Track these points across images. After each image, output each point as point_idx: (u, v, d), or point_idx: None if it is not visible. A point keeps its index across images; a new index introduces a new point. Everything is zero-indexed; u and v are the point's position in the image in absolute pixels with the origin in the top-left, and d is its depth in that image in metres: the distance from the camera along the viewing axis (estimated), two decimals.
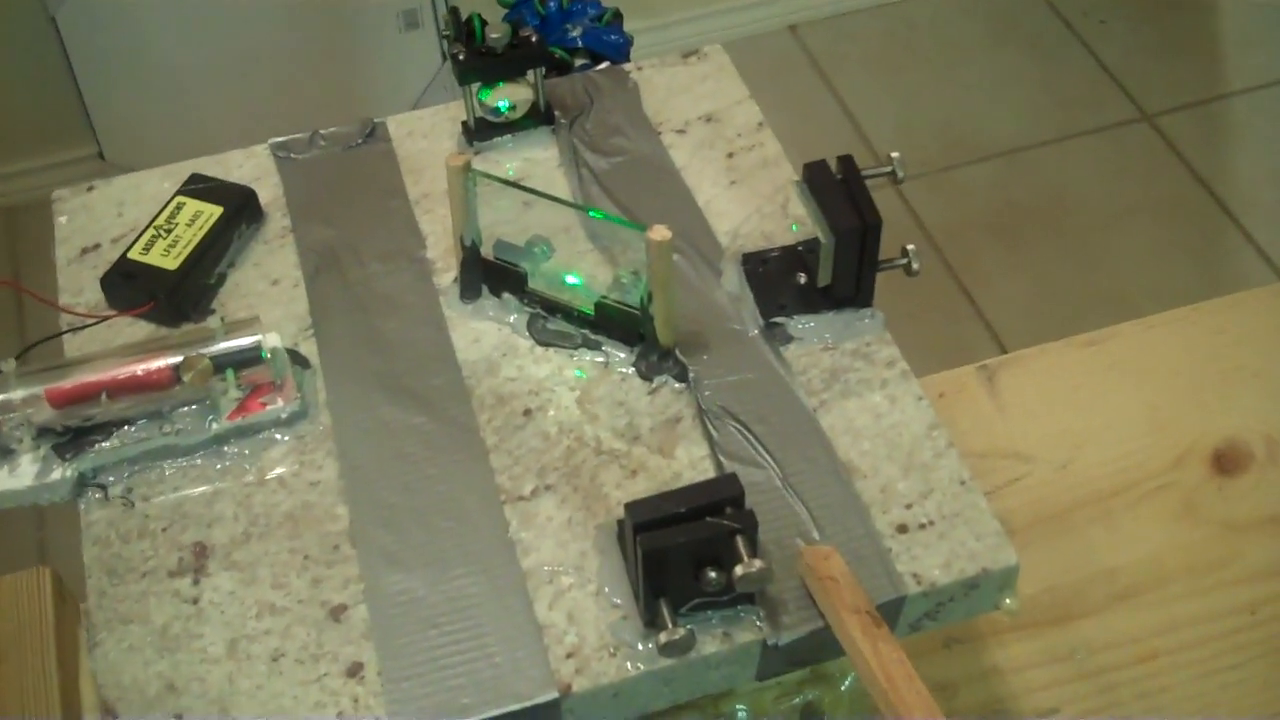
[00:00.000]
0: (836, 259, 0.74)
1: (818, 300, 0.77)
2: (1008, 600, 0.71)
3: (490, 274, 0.78)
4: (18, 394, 0.70)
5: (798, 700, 0.81)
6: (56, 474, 0.71)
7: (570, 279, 0.76)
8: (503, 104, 0.85)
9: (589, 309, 0.76)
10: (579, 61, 0.97)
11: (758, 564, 0.61)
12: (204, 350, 0.71)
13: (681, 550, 0.62)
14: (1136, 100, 2.33)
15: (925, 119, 2.30)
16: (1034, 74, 2.38)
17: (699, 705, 0.76)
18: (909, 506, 0.70)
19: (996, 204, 2.17)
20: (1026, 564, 0.94)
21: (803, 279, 0.78)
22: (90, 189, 0.86)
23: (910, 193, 2.15)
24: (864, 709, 0.84)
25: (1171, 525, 0.97)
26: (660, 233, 0.69)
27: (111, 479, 0.72)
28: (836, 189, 0.74)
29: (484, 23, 0.90)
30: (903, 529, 0.69)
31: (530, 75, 0.85)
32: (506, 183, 0.74)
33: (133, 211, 0.84)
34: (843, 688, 0.81)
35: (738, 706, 0.79)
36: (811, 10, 2.48)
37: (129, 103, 2.06)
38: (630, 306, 0.75)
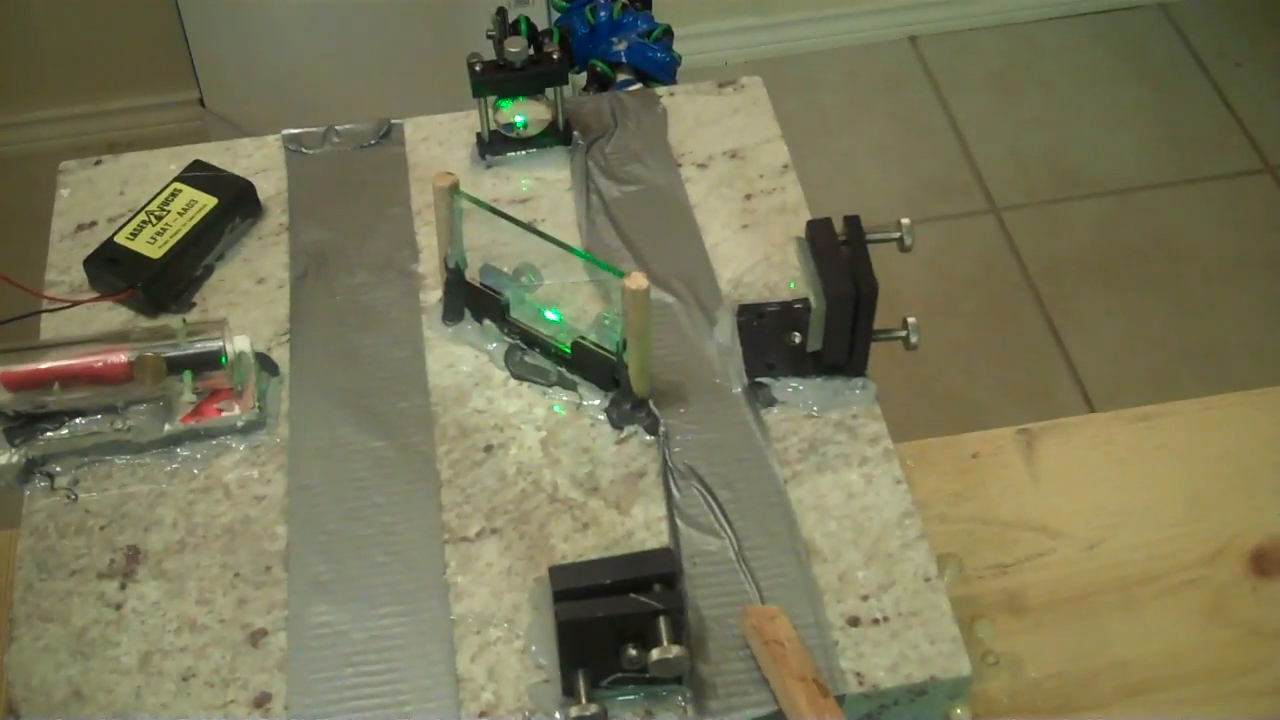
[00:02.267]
0: (828, 324, 0.70)
1: (808, 364, 0.73)
2: (958, 710, 0.67)
3: (474, 298, 0.75)
4: None
5: None
6: (4, 458, 0.70)
7: (549, 314, 0.73)
8: (519, 119, 0.82)
9: (566, 347, 0.73)
10: (621, 77, 0.94)
11: (675, 650, 0.58)
12: (162, 350, 0.69)
13: (599, 625, 0.59)
14: (1261, 150, 2.23)
15: (1037, 146, 2.22)
16: (1156, 111, 2.29)
17: None
18: (865, 598, 0.66)
19: (1101, 243, 2.09)
20: (1036, 646, 0.89)
21: (796, 339, 0.74)
22: (98, 163, 0.85)
23: (1011, 223, 2.08)
24: None
25: (1198, 623, 0.91)
26: (637, 281, 0.66)
27: (59, 469, 0.71)
28: (836, 251, 0.70)
29: (533, 26, 0.87)
30: (854, 622, 0.65)
31: (549, 93, 0.82)
32: (491, 210, 0.71)
33: (135, 191, 0.83)
34: None
35: None
36: (934, 23, 2.41)
37: (233, 53, 2.06)
38: (607, 350, 0.71)
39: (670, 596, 0.59)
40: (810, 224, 0.71)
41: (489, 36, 0.90)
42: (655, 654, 0.58)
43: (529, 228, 0.70)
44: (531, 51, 0.79)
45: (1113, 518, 0.97)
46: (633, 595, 0.59)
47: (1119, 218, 2.12)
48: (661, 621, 0.59)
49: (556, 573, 0.60)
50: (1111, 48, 2.39)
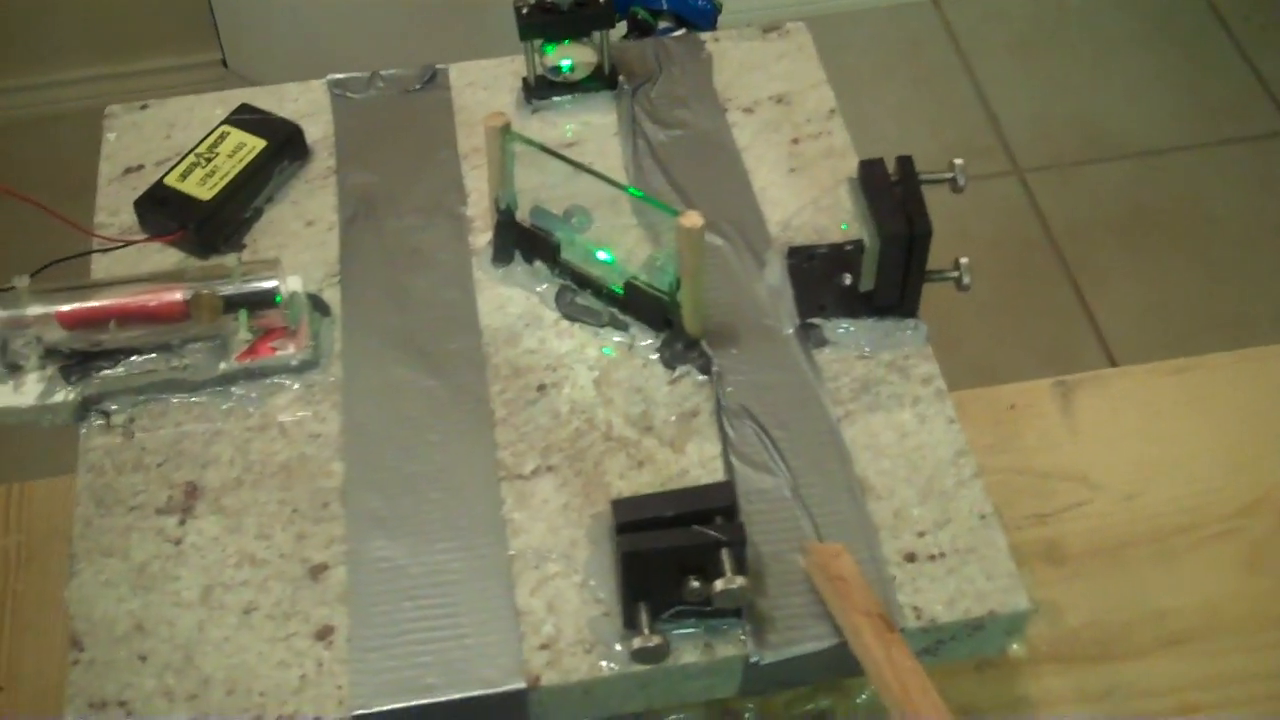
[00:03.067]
0: (881, 264, 0.70)
1: (859, 305, 0.73)
2: (1015, 645, 0.67)
3: (524, 240, 0.75)
4: (30, 311, 0.69)
5: (810, 707, 0.78)
6: (60, 396, 0.70)
7: (602, 255, 0.73)
8: (565, 63, 0.82)
9: (619, 287, 0.73)
10: (662, 24, 0.94)
11: (739, 581, 0.58)
12: (218, 288, 0.69)
13: (662, 556, 0.59)
14: None
15: (1062, 110, 2.21)
16: (1182, 75, 2.28)
17: (706, 703, 0.73)
18: (921, 534, 0.66)
19: (1125, 206, 2.08)
20: (1074, 595, 0.90)
21: (847, 280, 0.74)
22: (144, 107, 0.85)
23: (1036, 185, 2.07)
24: None
25: (1234, 573, 0.92)
26: (692, 219, 0.66)
27: (115, 407, 0.71)
28: (889, 191, 0.70)
29: None
30: (910, 558, 0.65)
31: (596, 36, 0.82)
32: (544, 149, 0.71)
33: (181, 135, 0.83)
34: (858, 700, 0.78)
35: (747, 705, 0.76)
36: None
37: (255, 14, 2.06)
38: (660, 290, 0.72)
39: (732, 528, 0.60)
40: (862, 164, 0.71)
41: None
42: (719, 585, 0.59)
43: (583, 167, 0.70)
44: None
45: (1150, 469, 0.97)
46: (695, 527, 0.59)
47: (1143, 180, 2.12)
48: (724, 553, 0.59)
49: (619, 505, 0.60)
50: (1136, 10, 2.38)
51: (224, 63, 2.09)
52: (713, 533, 0.59)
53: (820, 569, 0.62)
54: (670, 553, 0.59)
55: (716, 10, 0.91)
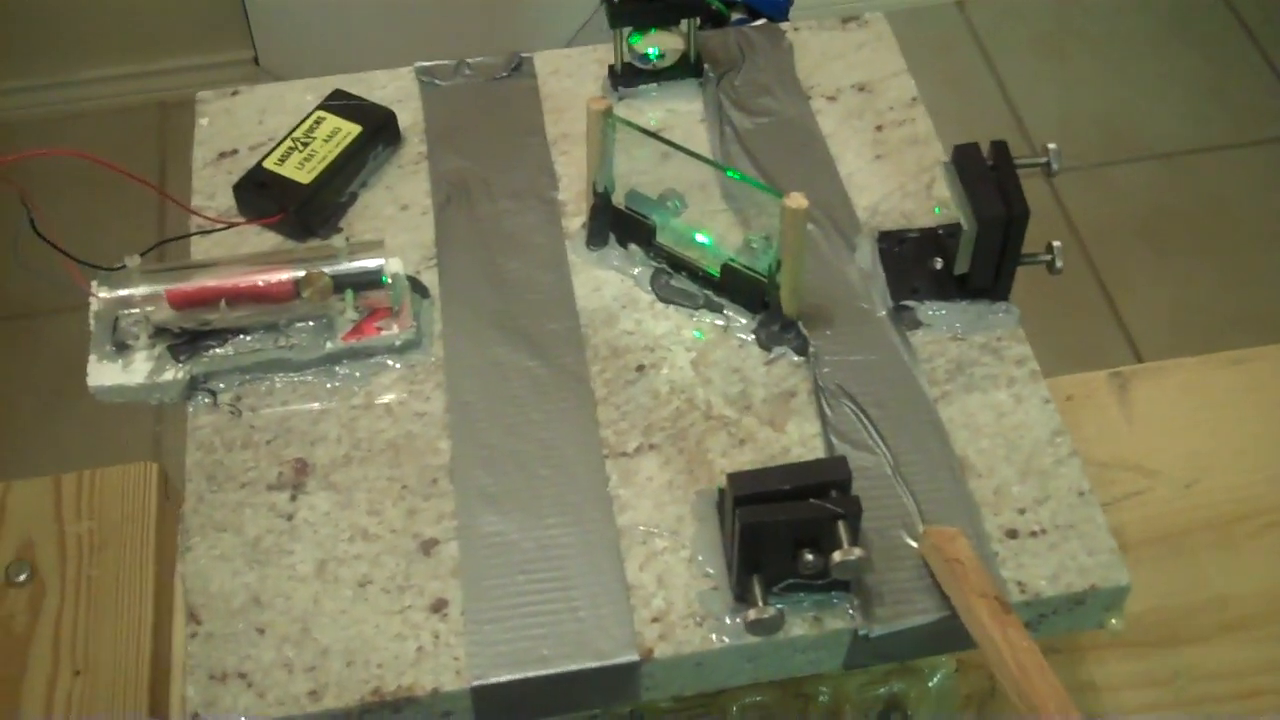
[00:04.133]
0: (977, 247, 0.71)
1: (951, 288, 0.75)
2: (1113, 620, 0.68)
3: (619, 223, 0.76)
4: (140, 291, 0.70)
5: (882, 690, 0.79)
6: (169, 374, 0.71)
7: (700, 237, 0.75)
8: (652, 51, 0.83)
9: (715, 270, 0.74)
10: (735, 16, 0.95)
11: (857, 552, 0.60)
12: (327, 268, 0.70)
13: (780, 529, 0.60)
14: None
15: (1086, 110, 2.23)
16: (1205, 76, 2.30)
17: (780, 683, 0.74)
18: (1022, 511, 0.67)
19: (1150, 207, 2.10)
20: (1136, 581, 0.90)
21: (939, 264, 0.75)
22: (235, 93, 0.86)
23: (1060, 186, 2.09)
24: (949, 708, 0.82)
25: None
26: (797, 200, 0.67)
27: (222, 386, 0.72)
28: (986, 175, 0.71)
29: None
30: (1012, 534, 0.66)
31: (683, 25, 0.83)
32: (647, 133, 0.72)
33: (273, 120, 0.84)
34: (930, 684, 0.79)
35: (820, 689, 0.77)
36: None
37: (288, 10, 2.07)
38: (757, 272, 0.73)
39: (849, 501, 0.61)
40: (957, 149, 0.73)
41: None
42: (837, 556, 0.60)
43: (688, 151, 0.72)
44: None
45: (1207, 458, 0.98)
46: (812, 500, 0.61)
47: (1168, 181, 2.13)
48: (840, 526, 0.60)
49: (736, 479, 0.61)
50: (1159, 12, 2.40)
51: (256, 60, 2.10)
52: (830, 506, 0.60)
53: (937, 551, 0.63)
54: (789, 525, 0.60)
55: (789, 2, 0.93)
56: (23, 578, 0.88)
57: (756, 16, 0.94)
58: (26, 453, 1.85)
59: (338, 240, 0.71)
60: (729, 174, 0.73)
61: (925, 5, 2.39)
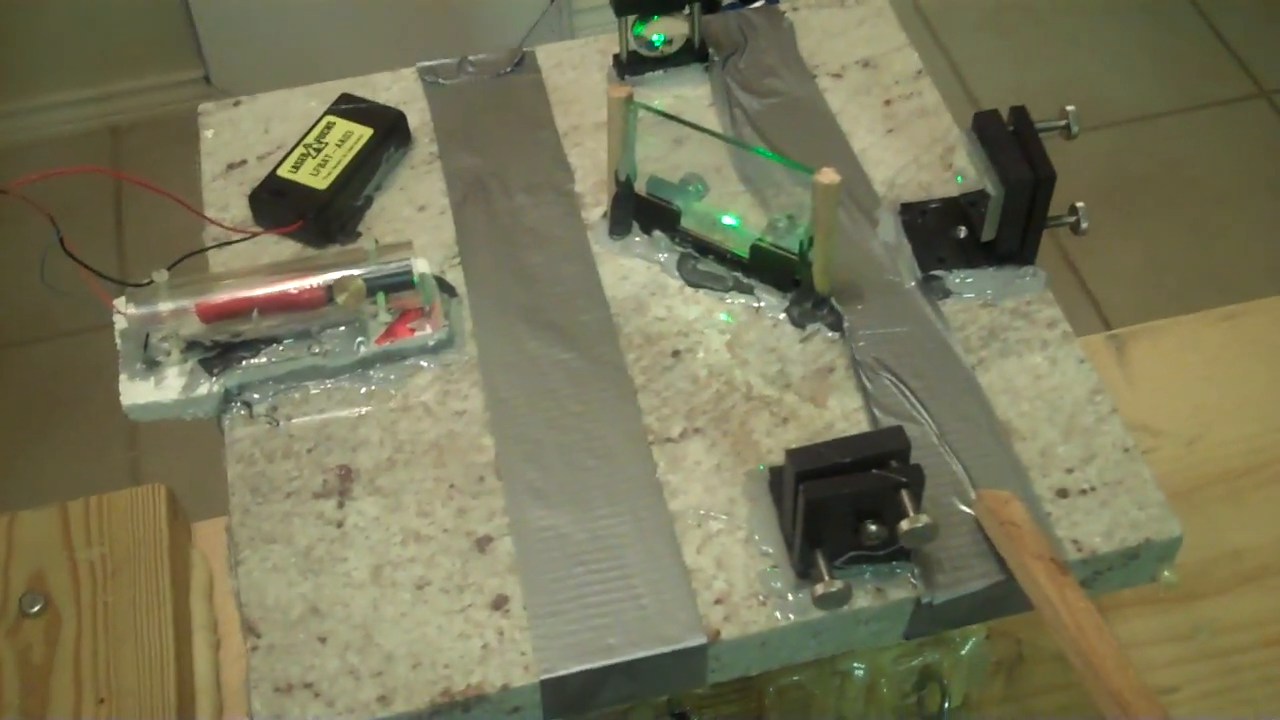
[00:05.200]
0: (1004, 212, 0.72)
1: (977, 255, 0.75)
2: (1166, 573, 0.69)
3: (641, 211, 0.76)
4: (167, 306, 0.69)
5: (916, 662, 0.79)
6: (203, 389, 0.70)
7: (727, 219, 0.74)
8: (658, 38, 0.83)
9: (743, 251, 0.74)
10: (726, 0, 0.95)
11: (924, 519, 0.60)
12: (357, 272, 0.70)
13: (845, 501, 0.60)
14: (1255, 76, 2.27)
15: (1038, 83, 2.25)
16: (1152, 43, 2.33)
17: (816, 661, 0.74)
18: (1070, 471, 0.67)
19: (1109, 174, 2.12)
20: None
21: (963, 233, 0.75)
22: (237, 104, 0.85)
23: None
24: (982, 676, 0.83)
25: None
26: (829, 175, 0.67)
27: (256, 397, 0.71)
28: (1008, 140, 0.72)
29: None
30: (1063, 494, 0.67)
31: (686, 10, 0.83)
32: (671, 117, 0.72)
33: (279, 129, 0.83)
34: (962, 653, 0.80)
35: (855, 665, 0.78)
36: None
37: (238, 28, 2.06)
38: (787, 251, 0.73)
39: (911, 470, 0.61)
40: (977, 116, 0.73)
41: None
42: (905, 525, 0.60)
43: (715, 133, 0.72)
44: None
45: (1210, 413, 0.99)
46: (874, 471, 0.61)
47: (1125, 148, 2.16)
48: (904, 494, 0.60)
49: (795, 455, 0.61)
50: None
51: (207, 79, 2.08)
52: (893, 475, 0.60)
53: (991, 515, 0.63)
54: (853, 497, 0.60)
55: None
56: (37, 608, 0.87)
57: (748, 1, 0.94)
58: None
59: (366, 243, 0.70)
60: (759, 153, 0.73)
61: None
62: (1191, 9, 2.38)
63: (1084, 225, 0.74)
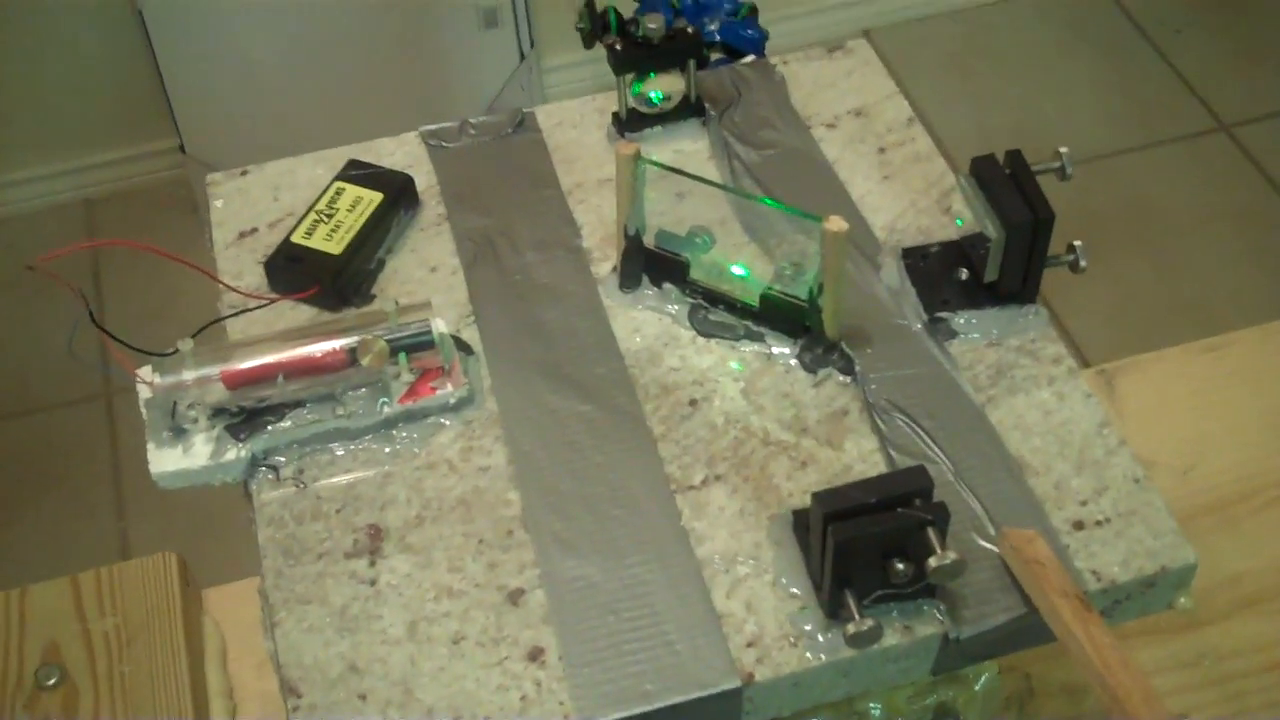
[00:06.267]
0: (1006, 254, 0.74)
1: (980, 296, 0.77)
2: (1182, 599, 0.71)
3: (651, 264, 0.78)
4: (192, 374, 0.70)
5: (930, 700, 0.80)
6: (231, 454, 0.71)
7: (735, 269, 0.76)
8: (656, 95, 0.85)
9: (752, 300, 0.76)
10: (714, 56, 0.97)
11: (952, 556, 0.61)
12: (379, 333, 0.71)
13: (873, 541, 0.62)
14: (1213, 110, 2.32)
15: (1001, 124, 2.29)
16: (1111, 81, 2.37)
17: (833, 703, 0.76)
18: (1084, 503, 0.69)
19: (1075, 211, 2.13)
20: None
21: (965, 274, 0.77)
22: (244, 173, 0.86)
23: None
24: (995, 711, 0.84)
25: None
26: (837, 224, 0.69)
27: (283, 460, 0.72)
28: (1006, 183, 0.74)
29: (620, 15, 0.90)
30: (1079, 526, 0.68)
31: (683, 67, 0.85)
32: (679, 172, 0.74)
33: (288, 196, 0.85)
34: (976, 689, 0.81)
35: (871, 705, 0.79)
36: (887, 15, 2.47)
37: (211, 97, 2.07)
38: (797, 298, 0.75)
39: (936, 508, 0.62)
40: (974, 161, 0.75)
41: (578, 28, 0.93)
42: (933, 561, 0.61)
43: (724, 186, 0.73)
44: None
45: (1201, 443, 1.01)
46: (900, 510, 0.62)
47: (1089, 185, 2.20)
48: (931, 532, 0.62)
49: (822, 497, 0.62)
50: (1058, 24, 2.47)
51: (182, 148, 2.09)
52: (919, 513, 0.62)
53: (1016, 553, 0.65)
54: (881, 537, 0.62)
55: (765, 38, 0.95)
56: (53, 681, 0.87)
57: (734, 55, 0.97)
58: None
59: (385, 304, 0.72)
60: (766, 203, 0.75)
61: (834, 36, 2.44)
62: (1149, 47, 2.43)
63: (1083, 263, 0.77)
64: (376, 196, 0.81)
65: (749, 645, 0.65)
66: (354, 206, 0.80)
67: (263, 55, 2.06)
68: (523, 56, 2.18)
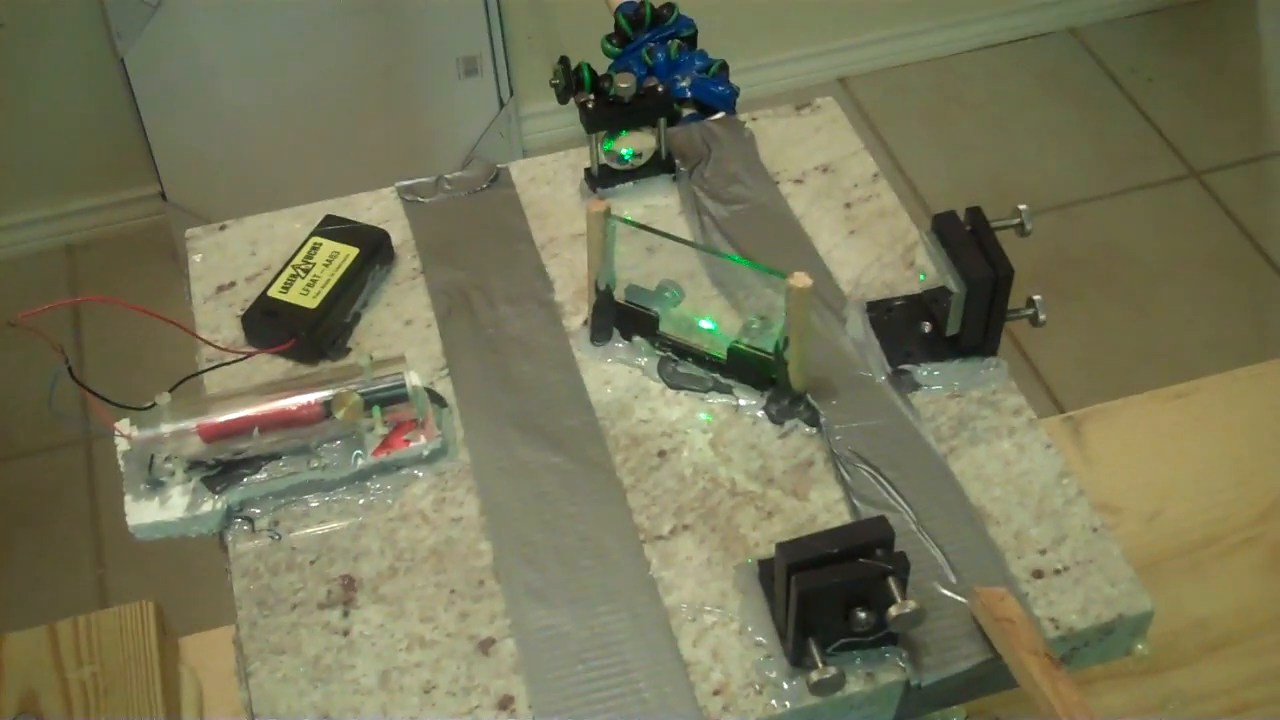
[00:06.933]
0: (967, 308, 0.76)
1: (943, 348, 0.79)
2: (1139, 645, 0.72)
3: (622, 317, 0.80)
4: (170, 427, 0.72)
5: None
6: (207, 506, 0.72)
7: (703, 323, 0.78)
8: (627, 151, 0.87)
9: (720, 353, 0.78)
10: (686, 112, 0.99)
11: (911, 605, 0.63)
12: (353, 387, 0.72)
13: (835, 591, 0.63)
14: (1184, 157, 2.35)
15: (976, 172, 2.32)
16: (1084, 129, 2.41)
17: None
18: (1043, 552, 0.71)
19: (1048, 257, 2.19)
20: None
21: (927, 328, 0.79)
22: (223, 228, 0.88)
23: None
24: None
25: (1261, 577, 0.97)
26: (802, 280, 0.71)
27: (258, 511, 0.73)
28: (966, 239, 0.76)
29: (594, 72, 0.92)
30: (1038, 574, 0.70)
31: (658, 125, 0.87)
32: (648, 229, 0.76)
33: (265, 250, 0.86)
34: None
35: None
36: (862, 64, 2.50)
37: (192, 145, 2.09)
38: (763, 351, 0.76)
39: (896, 558, 0.64)
40: (936, 218, 0.77)
41: (552, 85, 0.95)
42: (893, 610, 0.63)
43: (691, 243, 0.75)
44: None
45: (1166, 489, 1.03)
46: (861, 560, 0.64)
47: (1062, 232, 2.23)
48: (891, 582, 0.63)
49: (785, 548, 0.64)
50: (1032, 73, 2.51)
51: (163, 195, 2.10)
52: (879, 563, 0.63)
53: (987, 611, 0.66)
54: (843, 587, 0.63)
55: (735, 94, 0.97)
56: None
57: (706, 111, 0.99)
58: None
59: (359, 358, 0.73)
60: (732, 259, 0.76)
61: (809, 84, 2.47)
62: (1121, 95, 2.47)
63: (1042, 317, 0.78)
64: (352, 251, 0.82)
65: (715, 693, 0.66)
66: (330, 261, 0.82)
67: (243, 102, 2.08)
68: (502, 104, 2.20)
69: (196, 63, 2.01)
